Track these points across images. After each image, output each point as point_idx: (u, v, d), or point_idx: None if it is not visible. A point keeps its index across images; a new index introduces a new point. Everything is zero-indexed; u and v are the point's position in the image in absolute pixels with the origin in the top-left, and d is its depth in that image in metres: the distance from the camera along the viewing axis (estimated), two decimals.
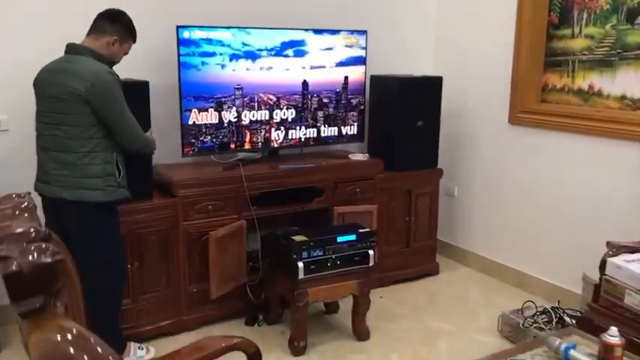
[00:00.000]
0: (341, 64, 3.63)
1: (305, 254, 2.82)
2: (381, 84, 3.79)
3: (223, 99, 3.29)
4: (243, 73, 3.31)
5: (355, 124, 3.76)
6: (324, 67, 3.58)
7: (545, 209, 3.62)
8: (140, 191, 2.89)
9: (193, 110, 3.19)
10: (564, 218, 3.50)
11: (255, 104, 3.39)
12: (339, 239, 2.90)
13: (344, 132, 3.74)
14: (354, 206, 3.52)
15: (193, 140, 3.22)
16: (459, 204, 4.18)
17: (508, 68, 3.72)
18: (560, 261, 3.53)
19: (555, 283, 3.55)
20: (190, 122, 3.19)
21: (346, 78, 3.67)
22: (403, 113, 3.67)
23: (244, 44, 3.28)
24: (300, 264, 2.79)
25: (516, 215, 3.81)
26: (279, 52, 3.40)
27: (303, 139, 3.60)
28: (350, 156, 3.66)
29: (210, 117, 3.25)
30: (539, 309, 2.99)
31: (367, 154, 3.68)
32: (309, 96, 3.57)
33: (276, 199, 3.32)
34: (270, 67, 3.39)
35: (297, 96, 3.53)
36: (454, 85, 3.95)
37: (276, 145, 3.53)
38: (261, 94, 3.40)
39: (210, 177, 3.11)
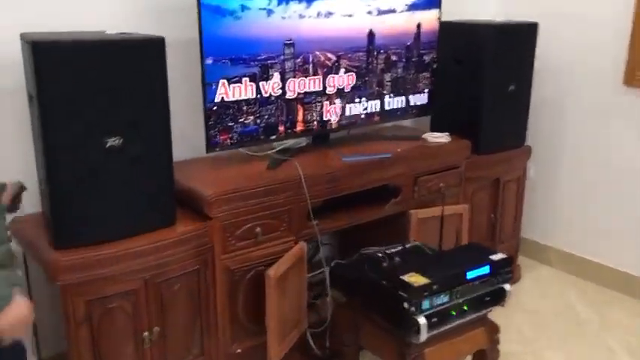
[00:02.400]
0: (413, 6, 2.57)
1: (426, 304, 1.84)
2: (459, 34, 2.77)
3: (269, 61, 2.19)
4: (295, 21, 2.22)
5: (426, 90, 2.74)
6: (393, 10, 2.51)
7: None
8: (156, 217, 1.82)
9: (221, 82, 2.08)
10: None
11: (310, 66, 2.31)
12: (469, 275, 1.93)
13: (412, 102, 2.71)
14: (438, 207, 2.55)
15: (225, 126, 2.13)
16: (537, 188, 3.27)
17: (628, 8, 2.77)
18: None
19: None
20: (218, 99, 2.09)
21: (419, 27, 2.63)
22: (492, 74, 2.68)
23: None
24: (423, 320, 1.82)
25: (622, 203, 2.95)
26: None
27: (365, 115, 2.56)
28: (425, 137, 2.66)
29: (244, 90, 2.15)
30: None
31: (447, 134, 2.68)
32: (375, 52, 2.51)
33: (339, 206, 2.31)
34: (330, 13, 2.30)
35: (361, 53, 2.46)
36: (544, 33, 2.96)
37: (334, 125, 2.47)
38: (317, 53, 2.32)
39: (257, 183, 2.04)
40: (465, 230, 2.58)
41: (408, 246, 2.28)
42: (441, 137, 2.64)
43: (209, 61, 2.04)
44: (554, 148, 3.18)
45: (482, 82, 2.68)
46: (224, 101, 2.10)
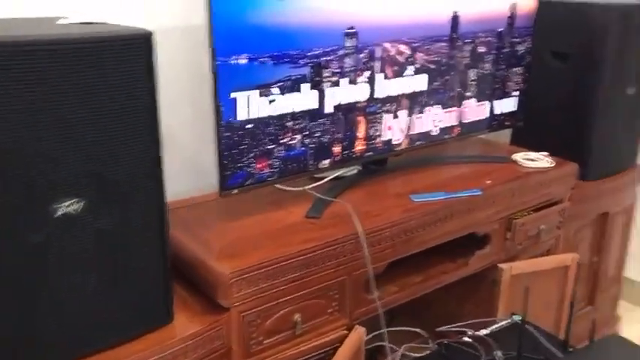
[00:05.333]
0: None
1: None
2: (563, 18, 2.04)
3: (324, 58, 1.49)
4: (359, 3, 1.51)
5: (516, 93, 2.03)
6: None
7: None
8: (143, 314, 1.15)
9: (251, 93, 1.39)
10: None
11: (378, 63, 1.61)
12: None
13: (497, 110, 2.00)
14: (538, 259, 1.87)
15: (259, 151, 1.45)
16: None
17: None
18: None
19: None
20: (240, 118, 1.40)
21: (513, 7, 1.90)
22: (610, 74, 1.96)
23: None
24: None
25: None
26: None
27: (442, 129, 1.86)
28: (517, 159, 1.95)
29: (289, 100, 1.46)
30: None
31: (546, 154, 1.97)
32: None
33: (405, 266, 1.63)
34: None
35: (443, 44, 1.75)
36: None
37: (403, 143, 1.78)
38: (387, 45, 1.62)
39: (297, 248, 1.35)
40: (570, 288, 1.89)
41: (505, 323, 1.61)
42: (541, 160, 1.93)
43: (242, 60, 1.35)
44: None
45: (595, 84, 1.96)
46: (251, 119, 1.41)
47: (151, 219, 1.11)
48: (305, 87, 1.49)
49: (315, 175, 1.69)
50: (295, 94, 1.47)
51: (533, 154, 1.95)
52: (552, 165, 1.90)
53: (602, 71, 1.94)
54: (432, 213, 1.58)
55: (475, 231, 1.73)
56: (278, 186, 1.63)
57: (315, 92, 1.51)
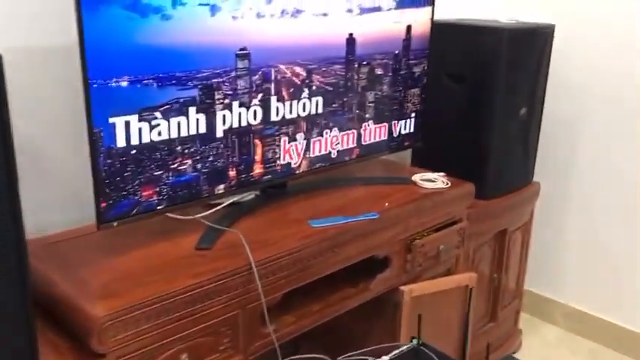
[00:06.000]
0: (403, 2, 1.85)
1: None
2: (457, 39, 2.07)
3: (215, 80, 1.42)
4: (251, 23, 1.46)
5: (413, 114, 2.04)
6: (379, 8, 1.78)
7: None
8: None
9: (126, 119, 1.29)
10: None
11: (272, 85, 1.56)
12: None
13: (396, 131, 2.00)
14: (438, 280, 1.87)
15: (130, 187, 1.35)
16: (537, 227, 2.64)
17: None
18: None
19: None
20: (120, 144, 1.30)
21: (409, 29, 1.91)
22: (503, 94, 2.01)
23: None
24: None
25: None
26: None
27: (340, 151, 1.83)
28: (416, 180, 1.95)
29: (175, 125, 1.38)
30: None
31: (443, 175, 1.98)
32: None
33: (303, 295, 1.58)
34: (299, 12, 1.55)
35: (339, 66, 1.73)
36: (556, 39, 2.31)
37: (303, 166, 1.73)
38: (282, 66, 1.57)
39: (182, 284, 1.26)
40: (472, 309, 1.90)
41: (406, 348, 1.58)
42: (437, 180, 1.94)
43: (123, 82, 1.26)
44: (564, 183, 2.56)
45: (490, 105, 2.01)
46: (135, 145, 1.32)
47: (6, 255, 0.99)
48: (192, 110, 1.41)
49: (211, 202, 1.61)
50: (181, 117, 1.39)
51: (430, 175, 1.96)
52: (448, 185, 1.91)
53: (495, 92, 1.98)
54: (329, 239, 1.54)
55: (375, 254, 1.70)
56: (170, 215, 1.54)
57: (203, 116, 1.43)
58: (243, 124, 1.53)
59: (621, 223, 2.41)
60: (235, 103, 1.50)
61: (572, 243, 2.58)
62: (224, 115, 1.48)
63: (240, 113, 1.52)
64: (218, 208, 1.60)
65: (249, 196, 1.71)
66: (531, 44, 2.06)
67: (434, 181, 1.93)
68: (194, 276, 1.29)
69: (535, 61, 2.09)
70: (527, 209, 2.28)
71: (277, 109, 1.60)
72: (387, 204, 1.74)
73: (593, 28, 2.35)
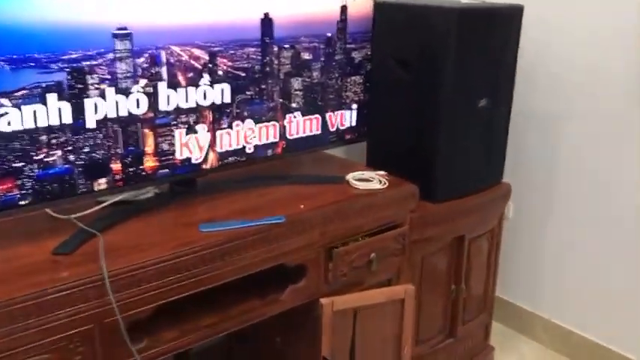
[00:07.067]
0: None
1: None
2: (405, 22, 1.85)
3: (85, 62, 1.26)
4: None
5: (355, 105, 1.83)
6: None
7: None
8: None
9: None
10: None
11: (164, 70, 1.39)
12: None
13: (334, 123, 1.80)
14: (366, 292, 1.66)
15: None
16: (517, 232, 2.38)
17: None
18: None
19: None
20: None
21: (344, 9, 1.70)
22: (454, 83, 1.77)
23: None
24: None
25: (636, 262, 2.09)
26: None
27: (259, 147, 1.64)
28: (349, 179, 1.73)
29: (37, 113, 1.23)
30: None
31: (384, 174, 1.77)
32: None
33: (200, 307, 1.40)
34: None
35: (253, 49, 1.54)
36: (528, 23, 2.04)
37: (207, 166, 1.55)
38: (176, 48, 1.39)
39: (14, 293, 1.10)
40: (408, 325, 1.68)
41: None
42: (373, 180, 1.72)
43: None
44: (541, 184, 2.29)
45: (438, 94, 1.77)
46: None
47: None
48: (52, 97, 1.25)
49: (99, 199, 1.45)
50: (38, 105, 1.23)
51: (368, 174, 1.75)
52: (384, 186, 1.69)
53: (443, 79, 1.75)
54: (216, 245, 1.35)
55: (285, 262, 1.50)
56: (50, 212, 1.39)
57: (67, 103, 1.27)
58: (123, 113, 1.36)
59: (605, 226, 2.14)
60: (110, 90, 1.33)
61: (552, 249, 2.31)
62: (95, 103, 1.31)
63: (117, 101, 1.34)
64: (103, 205, 1.44)
65: (147, 194, 1.54)
66: (492, 27, 1.81)
67: (370, 180, 1.72)
68: (34, 285, 1.13)
69: (497, 47, 1.85)
70: (492, 213, 2.03)
71: (168, 97, 1.42)
72: (302, 206, 1.54)
73: (571, 14, 2.08)
